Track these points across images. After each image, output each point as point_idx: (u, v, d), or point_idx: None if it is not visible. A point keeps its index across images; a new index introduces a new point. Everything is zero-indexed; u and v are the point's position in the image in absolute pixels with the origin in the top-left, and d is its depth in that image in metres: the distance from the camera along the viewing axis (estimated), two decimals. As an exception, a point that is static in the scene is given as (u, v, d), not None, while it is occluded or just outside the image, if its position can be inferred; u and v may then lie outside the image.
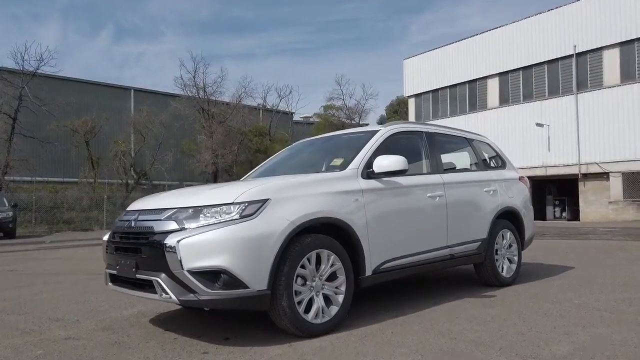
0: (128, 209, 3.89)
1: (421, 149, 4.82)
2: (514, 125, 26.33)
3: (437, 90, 30.73)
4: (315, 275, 3.50)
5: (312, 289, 3.48)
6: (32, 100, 26.12)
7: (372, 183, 4.03)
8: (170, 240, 3.13)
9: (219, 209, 3.23)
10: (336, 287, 3.62)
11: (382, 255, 3.99)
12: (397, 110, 52.03)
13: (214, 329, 3.72)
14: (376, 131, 4.49)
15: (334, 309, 3.58)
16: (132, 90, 36.18)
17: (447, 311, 4.13)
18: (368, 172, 4.05)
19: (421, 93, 31.63)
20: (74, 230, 22.99)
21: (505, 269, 5.33)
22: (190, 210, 3.27)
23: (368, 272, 3.86)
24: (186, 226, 3.19)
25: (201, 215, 3.22)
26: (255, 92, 50.96)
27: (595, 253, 8.65)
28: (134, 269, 3.36)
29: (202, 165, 31.07)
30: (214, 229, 3.13)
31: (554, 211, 26.60)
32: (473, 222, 4.96)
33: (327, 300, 3.58)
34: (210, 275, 3.09)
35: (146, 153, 31.19)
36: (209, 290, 3.07)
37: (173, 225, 3.21)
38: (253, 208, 3.24)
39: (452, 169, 5.05)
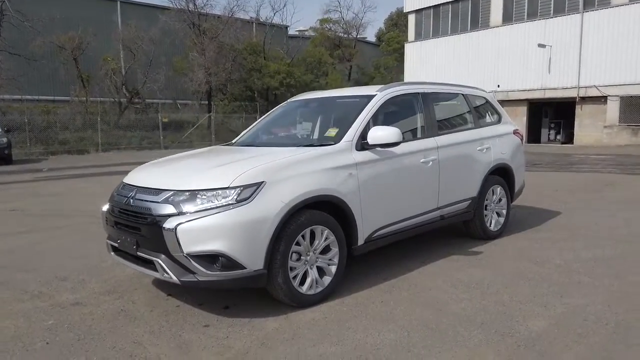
0: (125, 181, 3.94)
1: (417, 111, 4.80)
2: (515, 45, 25.62)
3: (438, 5, 29.44)
4: (309, 250, 3.65)
5: (306, 263, 3.65)
6: (13, 15, 24.95)
7: (367, 155, 4.07)
8: (169, 225, 3.22)
9: (215, 192, 3.30)
10: (329, 259, 3.79)
11: (374, 224, 4.13)
12: (396, 23, 50.12)
13: (214, 295, 3.92)
14: (372, 96, 4.43)
15: (327, 279, 3.77)
16: (119, 2, 34.46)
17: (434, 274, 4.35)
18: (362, 144, 4.07)
19: (422, 9, 30.31)
20: (69, 152, 23.02)
21: (494, 222, 5.53)
22: (187, 194, 3.33)
23: (360, 242, 4.02)
24: (184, 210, 3.27)
25: (198, 199, 3.29)
26: (248, 4, 48.70)
27: (583, 192, 8.87)
28: (134, 247, 3.49)
29: (195, 84, 30.42)
30: (211, 214, 3.22)
31: (549, 134, 26.70)
32: (464, 182, 5.07)
33: (321, 271, 3.76)
34: (209, 258, 3.23)
35: (137, 71, 30.38)
36: (208, 272, 3.23)
37: (171, 209, 3.29)
38: (249, 192, 3.31)
39: (446, 129, 5.05)
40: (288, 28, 43.24)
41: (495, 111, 5.87)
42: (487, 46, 26.83)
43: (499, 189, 5.56)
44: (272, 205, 3.35)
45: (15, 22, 25.09)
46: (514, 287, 3.99)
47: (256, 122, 5.40)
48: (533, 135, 26.37)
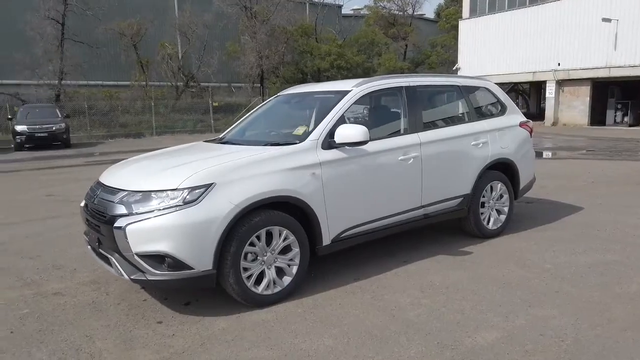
0: (99, 178, 4.12)
1: (398, 106, 4.64)
2: (578, 20, 23.90)
3: (496, -21, 27.94)
4: (266, 250, 3.67)
5: (263, 263, 3.67)
6: (75, 4, 26.32)
7: (334, 153, 4.00)
8: (119, 224, 3.35)
9: (164, 194, 3.38)
10: (290, 259, 3.79)
11: (343, 224, 4.07)
12: (456, -2, 48.12)
13: (181, 291, 4.03)
14: (346, 92, 4.33)
15: (287, 280, 3.78)
16: (175, -13, 35.36)
17: (409, 275, 4.24)
18: (330, 142, 4.00)
19: (478, -17, 28.91)
20: (127, 135, 24.20)
21: (492, 221, 5.28)
22: (139, 195, 3.43)
23: (326, 242, 3.98)
24: (134, 211, 3.37)
25: (148, 200, 3.38)
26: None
27: (622, 185, 8.24)
28: (97, 244, 3.66)
29: (246, 67, 30.90)
30: (159, 215, 3.31)
31: (615, 115, 24.88)
32: (454, 179, 4.86)
33: (281, 271, 3.78)
34: (157, 258, 3.33)
35: (192, 56, 31.28)
36: (157, 272, 3.33)
37: (122, 209, 3.41)
38: (196, 194, 3.36)
39: (434, 125, 4.85)
40: (341, 7, 42.70)
41: (498, 102, 5.55)
42: (546, 22, 25.22)
43: (499, 185, 5.29)
44: (220, 206, 3.39)
45: (78, 11, 26.50)
46: (484, 293, 3.82)
47: (247, 114, 5.42)
48: (598, 117, 24.69)
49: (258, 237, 3.60)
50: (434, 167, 4.65)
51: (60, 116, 18.39)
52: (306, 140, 3.96)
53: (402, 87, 4.66)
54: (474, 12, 29.23)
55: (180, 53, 31.56)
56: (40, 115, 17.88)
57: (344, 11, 44.01)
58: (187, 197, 3.34)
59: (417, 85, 4.77)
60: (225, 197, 3.42)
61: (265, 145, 4.09)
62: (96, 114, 25.93)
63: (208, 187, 3.40)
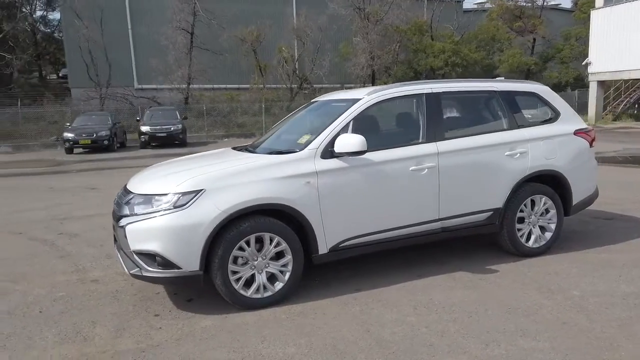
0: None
1: (416, 115, 4.47)
2: None
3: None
4: (257, 256, 3.81)
5: (253, 267, 3.82)
6: (202, 14, 28.75)
7: (334, 163, 4.00)
8: (122, 223, 3.74)
9: (160, 198, 3.69)
10: (282, 266, 3.89)
11: (342, 233, 4.06)
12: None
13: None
14: (356, 101, 4.30)
15: (279, 285, 3.89)
16: (294, -7, 36.86)
17: (413, 291, 4.09)
18: (331, 151, 4.01)
19: (614, -33, 25.84)
20: (240, 135, 25.88)
21: (534, 238, 4.83)
22: (141, 198, 3.79)
23: (323, 251, 4.01)
24: (135, 212, 3.73)
25: (147, 203, 3.72)
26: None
27: None
28: (115, 241, 4.11)
29: (357, 68, 31.17)
30: (152, 217, 3.63)
31: None
32: (480, 192, 4.54)
33: (273, 277, 3.89)
34: (150, 257, 3.65)
35: (305, 58, 32.40)
36: (150, 269, 3.65)
37: (126, 210, 3.80)
38: (186, 199, 3.62)
39: (459, 133, 4.57)
40: (461, 2, 40.96)
41: (549, 108, 5.03)
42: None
43: (543, 200, 4.81)
44: (207, 212, 3.60)
45: (205, 21, 28.94)
46: (481, 317, 3.56)
47: (280, 121, 5.57)
48: None
49: (247, 243, 3.75)
50: (454, 178, 4.40)
51: (178, 118, 20.31)
52: (305, 149, 4.02)
53: (422, 94, 4.47)
54: (608, 0, 26.20)
55: (295, 56, 32.85)
56: (162, 117, 19.93)
57: (466, 6, 42.19)
58: (178, 201, 3.62)
59: (441, 92, 4.55)
60: (213, 203, 3.63)
61: (271, 153, 4.23)
62: (217, 115, 28.20)
63: (198, 193, 3.64)
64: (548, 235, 4.90)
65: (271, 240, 3.82)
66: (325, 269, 4.49)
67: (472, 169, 4.50)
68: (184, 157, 5.19)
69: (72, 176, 12.88)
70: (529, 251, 4.80)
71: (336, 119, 4.17)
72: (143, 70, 30.69)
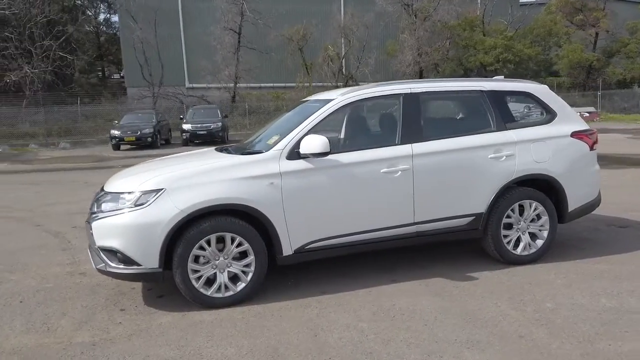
0: None
1: (392, 115, 4.35)
2: None
3: None
4: (219, 255, 3.85)
5: (215, 267, 3.86)
6: (250, 14, 29.28)
7: (299, 164, 3.98)
8: (89, 220, 3.89)
9: (124, 196, 3.80)
10: (245, 266, 3.91)
11: (308, 235, 4.02)
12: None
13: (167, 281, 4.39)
14: (328, 101, 4.24)
15: (240, 285, 3.92)
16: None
17: (378, 296, 4.00)
18: (297, 152, 3.98)
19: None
20: (283, 133, 26.18)
21: (522, 245, 4.58)
22: (109, 196, 3.92)
23: (288, 252, 3.99)
24: (102, 209, 3.87)
25: (113, 200, 3.85)
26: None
27: None
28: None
29: (403, 65, 30.72)
30: (113, 214, 3.75)
31: None
32: (460, 196, 4.36)
33: (236, 276, 3.92)
34: (113, 253, 3.77)
35: (350, 56, 32.29)
36: (113, 264, 3.77)
37: (96, 207, 3.94)
38: (146, 198, 3.71)
39: (437, 134, 4.40)
40: (518, -5, 39.34)
41: (543, 109, 4.75)
42: None
43: (533, 205, 4.55)
44: (166, 211, 3.68)
45: (252, 21, 29.47)
46: (436, 326, 3.43)
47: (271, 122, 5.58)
48: None
49: (208, 242, 3.80)
50: (430, 181, 4.25)
51: (219, 116, 20.82)
52: (270, 150, 4.02)
53: (399, 94, 4.35)
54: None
55: (341, 54, 32.82)
56: (204, 116, 20.52)
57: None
58: (139, 200, 3.72)
59: (421, 92, 4.41)
60: (172, 202, 3.70)
61: (243, 154, 4.25)
62: (262, 113, 28.67)
63: (158, 192, 3.72)
64: (539, 242, 4.63)
65: (233, 240, 3.85)
66: (301, 269, 4.49)
67: (450, 171, 4.32)
68: (170, 156, 5.31)
69: (112, 171, 13.49)
70: (517, 259, 4.56)
71: (304, 119, 4.13)
72: (193, 69, 31.69)
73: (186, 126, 19.88)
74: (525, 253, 4.59)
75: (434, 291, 4.05)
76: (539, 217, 4.62)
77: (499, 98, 4.61)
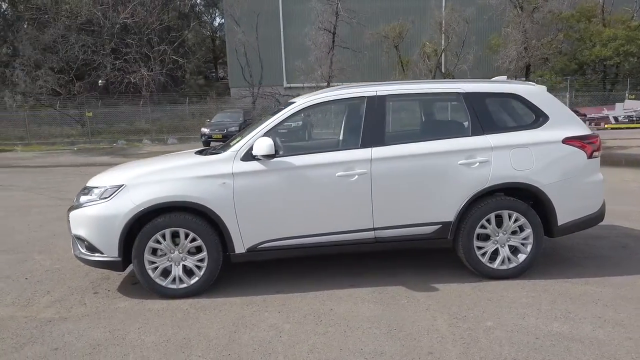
0: None
1: (354, 119, 4.28)
2: None
3: None
4: (174, 249, 4.11)
5: (170, 260, 4.13)
6: (345, 14, 29.54)
7: (252, 165, 4.09)
8: (69, 210, 4.36)
9: (95, 190, 4.21)
10: (198, 261, 4.13)
11: (261, 235, 4.13)
12: None
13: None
14: (290, 104, 4.29)
15: (194, 279, 4.14)
16: (446, -14, 35.56)
17: (322, 299, 3.99)
18: (252, 154, 4.10)
19: None
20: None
21: (500, 259, 4.24)
22: (87, 190, 4.35)
23: (240, 250, 4.13)
24: (80, 201, 4.31)
25: (87, 194, 4.27)
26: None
27: None
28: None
29: (506, 61, 28.91)
30: (84, 206, 4.17)
31: None
32: (424, 202, 4.15)
33: (191, 271, 4.15)
34: (82, 241, 4.19)
35: (448, 53, 31.16)
36: (83, 251, 4.20)
37: (76, 200, 4.40)
38: (109, 192, 4.08)
39: (403, 138, 4.23)
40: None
41: (532, 112, 4.32)
42: None
43: (514, 216, 4.19)
44: (124, 205, 4.01)
45: (346, 20, 29.72)
46: (354, 334, 3.36)
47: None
48: None
49: (163, 236, 4.08)
50: (390, 186, 4.12)
51: (241, 120, 21.06)
52: (227, 151, 4.19)
53: (363, 97, 4.26)
54: None
55: (439, 50, 31.81)
56: (226, 119, 21.53)
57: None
58: (104, 194, 4.10)
59: (387, 95, 4.27)
60: (130, 197, 4.03)
61: (207, 155, 4.46)
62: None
63: (119, 187, 4.07)
64: (522, 257, 4.25)
65: (187, 236, 4.09)
66: (281, 266, 4.64)
67: (413, 177, 4.14)
68: (160, 155, 5.66)
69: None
70: (493, 273, 4.24)
71: (263, 122, 4.23)
72: (291, 69, 32.79)
73: (204, 129, 20.65)
74: (504, 267, 4.25)
75: (382, 299, 3.93)
76: (521, 229, 4.24)
77: (478, 101, 4.30)
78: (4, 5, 35.37)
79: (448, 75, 31.27)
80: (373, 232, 4.19)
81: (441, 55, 31.58)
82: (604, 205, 4.42)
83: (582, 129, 4.33)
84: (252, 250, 4.16)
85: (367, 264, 4.74)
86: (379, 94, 4.27)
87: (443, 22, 31.33)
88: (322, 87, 30.20)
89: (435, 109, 4.52)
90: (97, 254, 4.12)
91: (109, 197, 4.07)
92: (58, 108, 28.55)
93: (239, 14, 30.89)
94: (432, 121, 4.51)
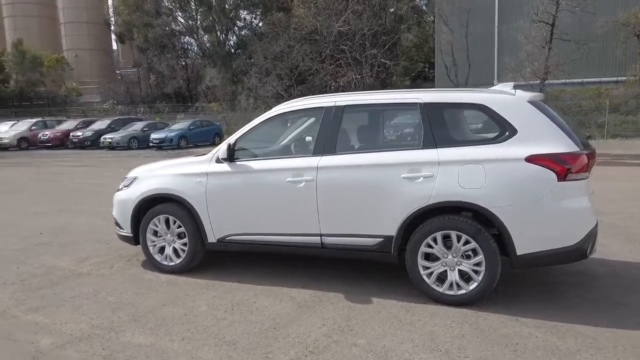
0: None
1: (311, 128, 4.37)
2: None
3: None
4: (167, 233, 4.95)
5: (165, 240, 4.98)
6: (567, 2, 26.21)
7: (222, 167, 4.62)
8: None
9: (124, 180, 5.32)
10: (183, 245, 4.88)
11: (227, 228, 4.64)
12: None
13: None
14: (268, 112, 4.66)
15: (178, 260, 4.91)
16: None
17: (265, 294, 4.28)
18: (222, 157, 4.64)
19: None
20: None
21: (448, 283, 3.84)
22: (124, 179, 5.46)
23: (212, 240, 4.73)
24: (119, 188, 5.46)
25: (123, 182, 5.39)
26: None
27: None
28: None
29: None
30: (117, 191, 5.32)
31: None
32: (365, 214, 4.02)
33: (178, 251, 4.93)
34: (114, 218, 5.36)
35: None
36: (117, 228, 5.36)
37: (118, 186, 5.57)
38: (128, 182, 5.15)
39: (351, 148, 4.14)
40: None
41: (500, 125, 3.69)
42: None
43: (462, 239, 3.74)
44: (135, 193, 5.02)
45: (570, 9, 26.32)
46: (237, 327, 3.64)
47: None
48: None
49: (158, 221, 4.94)
50: (333, 194, 4.14)
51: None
52: (209, 154, 4.80)
53: (321, 107, 4.34)
54: None
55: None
56: None
57: None
58: (126, 183, 5.19)
59: (346, 105, 4.25)
60: (138, 187, 5.02)
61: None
62: (577, 114, 25.60)
63: (134, 179, 5.11)
64: (472, 285, 3.76)
65: (174, 222, 4.87)
66: (275, 259, 5.13)
67: (356, 187, 4.05)
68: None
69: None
70: (441, 297, 3.86)
71: (241, 128, 4.71)
72: (502, 67, 30.71)
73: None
74: (451, 293, 3.83)
75: (305, 303, 4.03)
76: (475, 253, 3.75)
77: (436, 111, 3.92)
78: (255, 22, 42.17)
79: None
80: (319, 237, 4.27)
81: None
82: (588, 238, 3.53)
83: (560, 146, 3.54)
84: (221, 241, 4.70)
85: (341, 268, 4.78)
86: (337, 104, 4.29)
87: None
88: (535, 85, 27.56)
89: (392, 120, 4.26)
90: (121, 230, 5.24)
91: (128, 185, 5.14)
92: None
93: (447, 13, 30.43)
94: (387, 132, 4.26)
